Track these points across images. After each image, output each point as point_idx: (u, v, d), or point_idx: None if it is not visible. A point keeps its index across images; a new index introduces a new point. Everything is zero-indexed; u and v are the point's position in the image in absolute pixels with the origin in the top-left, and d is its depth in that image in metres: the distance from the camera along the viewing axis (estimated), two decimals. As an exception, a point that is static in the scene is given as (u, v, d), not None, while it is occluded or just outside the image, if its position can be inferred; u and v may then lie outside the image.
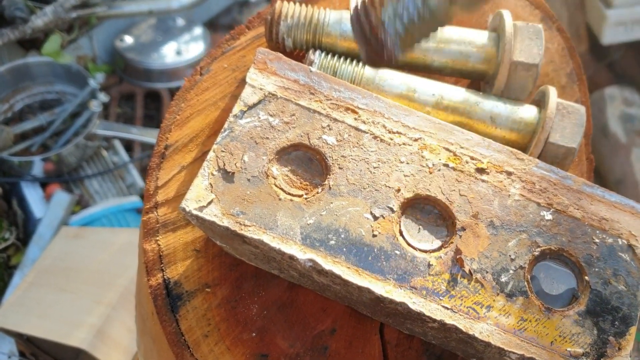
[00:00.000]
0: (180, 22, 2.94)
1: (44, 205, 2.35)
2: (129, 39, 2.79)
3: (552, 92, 0.70)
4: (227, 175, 0.61)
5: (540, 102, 0.73)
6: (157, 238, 0.69)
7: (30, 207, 2.37)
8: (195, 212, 0.59)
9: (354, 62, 0.73)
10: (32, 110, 2.52)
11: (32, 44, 2.55)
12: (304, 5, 0.75)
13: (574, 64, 0.80)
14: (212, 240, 0.66)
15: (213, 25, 3.05)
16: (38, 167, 2.40)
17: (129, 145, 2.53)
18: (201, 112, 0.74)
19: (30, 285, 2.08)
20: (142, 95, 2.72)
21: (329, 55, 0.73)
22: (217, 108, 0.74)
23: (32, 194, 2.39)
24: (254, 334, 0.66)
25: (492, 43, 0.73)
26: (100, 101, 2.38)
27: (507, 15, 0.72)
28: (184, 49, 2.74)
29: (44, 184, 2.41)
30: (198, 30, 2.80)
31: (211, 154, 0.61)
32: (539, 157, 0.70)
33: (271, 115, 0.64)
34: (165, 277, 0.67)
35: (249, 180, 0.61)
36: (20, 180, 2.36)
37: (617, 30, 2.84)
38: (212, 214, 0.59)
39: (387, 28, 0.57)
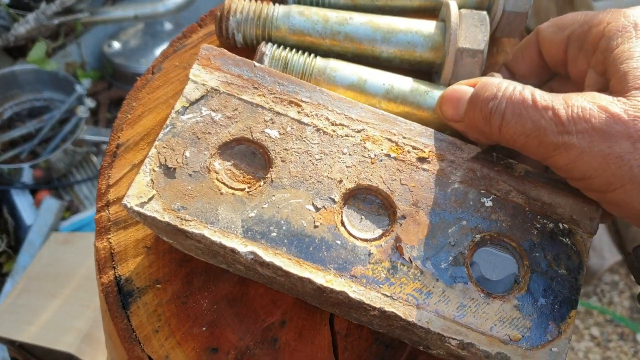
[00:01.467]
0: (168, 26, 2.95)
1: (34, 212, 2.36)
2: (116, 44, 2.80)
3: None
4: (169, 171, 0.62)
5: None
6: (109, 236, 0.69)
7: (20, 215, 2.38)
8: (136, 208, 0.60)
9: (306, 53, 0.74)
10: (20, 118, 2.54)
11: (19, 51, 2.56)
12: (253, 0, 0.76)
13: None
14: (160, 237, 0.66)
15: (201, 29, 3.04)
16: (27, 174, 2.41)
17: (117, 150, 2.53)
18: (152, 110, 0.75)
19: (20, 292, 2.10)
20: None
21: (280, 47, 0.74)
22: (169, 106, 0.75)
23: (22, 201, 2.40)
24: (204, 328, 0.66)
25: (439, 32, 0.74)
26: (87, 107, 2.40)
27: (453, 4, 0.73)
28: (172, 53, 2.74)
29: (33, 191, 2.42)
30: (185, 34, 2.80)
31: (152, 151, 0.62)
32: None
33: (213, 111, 0.64)
34: (116, 274, 0.68)
35: (190, 175, 0.62)
36: (9, 188, 2.37)
37: (604, 23, 2.85)
38: (153, 210, 0.60)
39: None
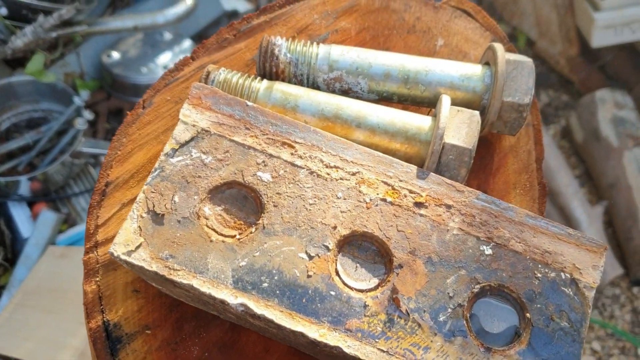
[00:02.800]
0: (168, 36, 2.94)
1: (31, 224, 2.34)
2: (115, 55, 2.78)
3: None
4: (157, 217, 0.59)
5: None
6: (97, 279, 0.67)
7: (17, 227, 2.37)
8: (123, 257, 0.58)
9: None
10: (18, 130, 2.52)
11: (18, 62, 2.55)
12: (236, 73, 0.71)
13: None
14: (149, 282, 0.64)
15: (201, 38, 3.04)
16: (25, 186, 2.40)
17: (115, 162, 2.51)
18: (143, 146, 0.73)
19: (17, 306, 2.08)
20: (130, 110, 2.71)
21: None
22: (159, 142, 0.73)
23: (19, 214, 2.39)
24: (194, 376, 0.64)
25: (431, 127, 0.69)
26: (85, 119, 2.38)
27: (445, 101, 0.68)
28: (171, 63, 2.73)
29: (30, 204, 2.40)
30: (186, 44, 2.79)
31: (140, 195, 0.60)
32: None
33: (204, 153, 0.62)
34: (105, 319, 0.66)
35: (179, 221, 0.60)
36: (6, 200, 2.36)
37: (606, 33, 2.84)
38: (141, 259, 0.58)
39: None
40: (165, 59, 2.81)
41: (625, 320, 2.78)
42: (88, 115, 2.38)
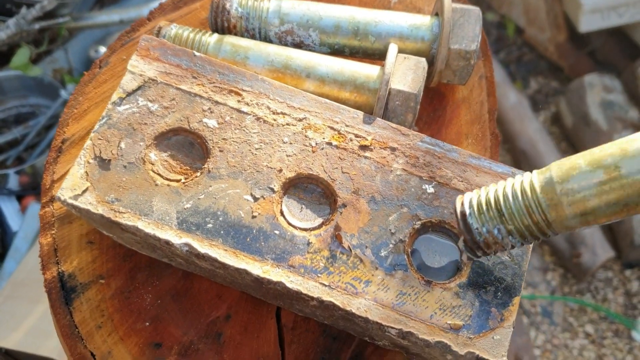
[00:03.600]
0: (155, 30, 2.93)
1: (19, 218, 2.35)
2: (103, 49, 2.79)
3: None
4: (103, 163, 0.60)
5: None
6: (53, 232, 0.68)
7: (6, 221, 2.37)
8: (70, 201, 0.59)
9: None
10: (6, 124, 2.53)
11: (3, 58, 2.56)
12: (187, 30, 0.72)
13: (482, 40, 0.79)
14: (100, 231, 0.65)
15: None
16: (13, 180, 2.41)
17: (103, 154, 2.52)
18: (99, 104, 0.74)
19: (5, 299, 2.09)
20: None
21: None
22: (114, 100, 0.74)
23: (8, 207, 2.39)
24: (147, 324, 0.65)
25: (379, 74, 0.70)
26: (72, 112, 2.39)
27: (392, 49, 0.68)
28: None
29: (19, 197, 2.41)
30: (170, 38, 2.79)
31: (88, 142, 0.61)
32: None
33: (150, 101, 0.63)
34: (59, 270, 0.67)
35: (125, 167, 0.61)
36: (-5, 194, 2.36)
37: (593, 18, 2.84)
38: (87, 202, 0.59)
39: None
40: (153, 53, 2.80)
41: (618, 303, 2.79)
42: (75, 107, 2.39)
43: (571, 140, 2.84)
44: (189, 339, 0.65)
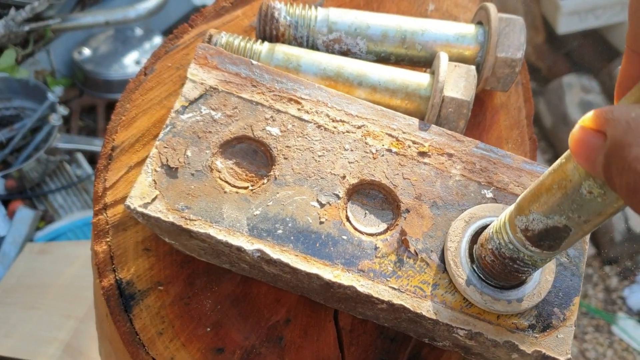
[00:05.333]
0: (139, 31, 2.92)
1: (7, 223, 2.31)
2: (87, 51, 2.76)
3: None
4: (171, 171, 0.61)
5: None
6: (108, 239, 0.68)
7: (-7, 226, 2.33)
8: (140, 209, 0.59)
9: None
10: (-9, 127, 2.48)
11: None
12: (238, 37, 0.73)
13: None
14: (161, 238, 0.66)
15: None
16: (-1, 184, 2.36)
17: (92, 157, 2.50)
18: (146, 111, 0.74)
19: (-3, 304, 2.05)
20: (104, 107, 2.70)
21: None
22: (163, 107, 0.74)
23: (-5, 212, 2.35)
24: (208, 329, 0.66)
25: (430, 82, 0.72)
26: (60, 115, 2.36)
27: (443, 57, 0.70)
28: (143, 58, 2.72)
29: (6, 202, 2.37)
30: (157, 39, 2.78)
31: (153, 151, 0.61)
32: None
33: (213, 109, 0.64)
34: (117, 277, 0.67)
35: (192, 174, 0.61)
36: (-19, 199, 2.32)
37: (570, 20, 2.91)
38: (157, 210, 0.59)
39: None
40: (137, 55, 2.79)
41: (598, 299, 2.86)
42: (63, 110, 2.36)
43: (550, 140, 2.91)
44: (250, 344, 0.66)
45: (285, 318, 0.67)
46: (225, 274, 0.68)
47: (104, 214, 0.69)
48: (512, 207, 0.53)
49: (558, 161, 0.46)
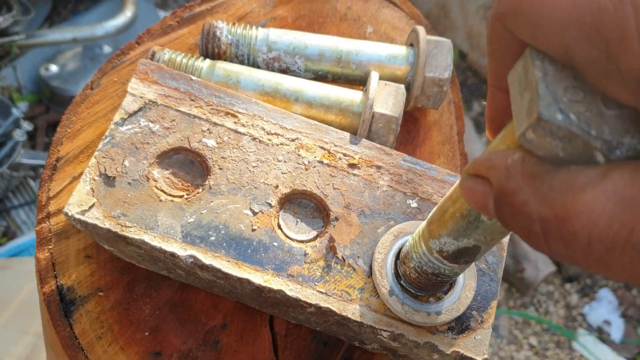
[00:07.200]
0: (107, 49, 2.94)
1: (-31, 238, 2.30)
2: (54, 68, 2.77)
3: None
4: (108, 180, 0.64)
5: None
6: (50, 247, 0.70)
7: (-45, 241, 2.31)
8: (77, 216, 0.62)
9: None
10: (-47, 143, 2.47)
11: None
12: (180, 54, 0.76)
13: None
14: (102, 245, 0.68)
15: (141, 52, 3.04)
16: (-38, 199, 2.35)
17: (56, 173, 2.49)
18: (92, 124, 0.77)
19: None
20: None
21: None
22: (108, 120, 0.77)
23: (-43, 228, 2.33)
24: (146, 333, 0.68)
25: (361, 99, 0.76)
26: (24, 130, 2.36)
27: (374, 76, 0.74)
28: (111, 75, 2.73)
29: (-32, 216, 2.36)
30: (124, 57, 2.79)
31: (92, 161, 0.64)
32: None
33: (152, 122, 0.67)
34: (58, 283, 0.69)
35: (129, 183, 0.64)
36: (-58, 214, 2.30)
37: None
38: (94, 217, 0.62)
39: None
40: (105, 72, 2.79)
41: (559, 315, 2.92)
42: (27, 126, 2.36)
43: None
44: (187, 347, 0.68)
45: (221, 323, 0.70)
46: (164, 280, 0.71)
47: (47, 223, 0.72)
48: (423, 227, 0.56)
49: (455, 189, 0.49)
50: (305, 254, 0.64)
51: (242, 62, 0.78)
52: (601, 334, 2.80)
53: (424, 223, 0.56)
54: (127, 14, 2.77)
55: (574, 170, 0.34)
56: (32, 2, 2.55)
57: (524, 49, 0.38)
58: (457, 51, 3.18)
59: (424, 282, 0.59)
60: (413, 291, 0.62)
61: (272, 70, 0.78)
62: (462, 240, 0.50)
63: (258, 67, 0.78)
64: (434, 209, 0.54)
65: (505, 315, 2.79)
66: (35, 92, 2.79)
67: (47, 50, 2.81)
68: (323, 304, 0.62)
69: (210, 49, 0.77)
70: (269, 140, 0.68)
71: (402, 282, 0.63)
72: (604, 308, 2.88)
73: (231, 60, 0.78)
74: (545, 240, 0.35)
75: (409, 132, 0.84)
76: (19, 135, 2.33)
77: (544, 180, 0.35)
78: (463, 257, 0.52)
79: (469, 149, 2.83)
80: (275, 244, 0.64)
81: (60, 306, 0.68)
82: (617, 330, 2.82)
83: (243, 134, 0.68)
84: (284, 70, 0.79)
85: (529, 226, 0.36)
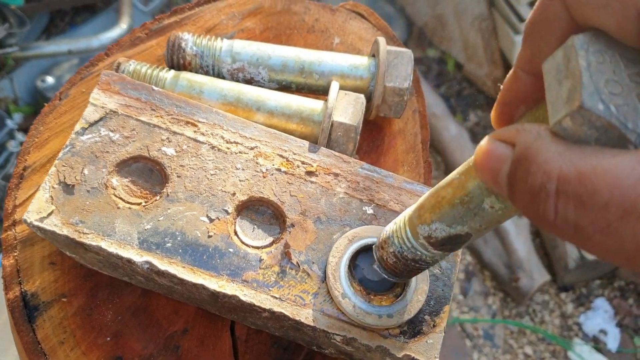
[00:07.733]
0: (103, 61, 2.95)
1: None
2: (50, 79, 2.80)
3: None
4: (68, 188, 0.65)
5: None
6: (15, 254, 0.72)
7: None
8: (36, 223, 0.63)
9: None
10: (-51, 154, 2.49)
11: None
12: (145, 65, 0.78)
13: (414, 77, 0.87)
14: (63, 252, 0.69)
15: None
16: (-44, 210, 2.36)
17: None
18: (59, 134, 0.78)
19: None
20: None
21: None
22: (75, 130, 0.79)
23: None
24: (108, 338, 0.69)
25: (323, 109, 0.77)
26: (19, 141, 2.38)
27: (334, 86, 0.76)
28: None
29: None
30: (119, 68, 2.81)
31: (52, 169, 0.66)
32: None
33: (112, 131, 0.68)
34: (22, 289, 0.70)
35: (88, 191, 0.65)
36: (-64, 225, 2.32)
37: (525, 54, 2.99)
38: (52, 224, 0.63)
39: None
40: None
41: (554, 325, 2.91)
42: (21, 137, 2.38)
43: (508, 169, 2.98)
44: (148, 352, 0.69)
45: (182, 328, 0.71)
46: (127, 286, 0.72)
47: (13, 230, 0.73)
48: (409, 213, 0.56)
49: (456, 175, 0.49)
50: (261, 260, 0.65)
51: (207, 73, 0.80)
52: (597, 344, 2.79)
53: (411, 208, 0.56)
54: (123, 26, 2.80)
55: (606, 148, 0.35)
56: (28, 15, 2.58)
57: (567, 37, 0.38)
58: (453, 62, 3.20)
59: (400, 268, 0.59)
60: (387, 276, 0.61)
61: (237, 80, 0.80)
62: (455, 227, 0.50)
63: (223, 77, 0.80)
64: (426, 194, 0.53)
65: (501, 325, 2.79)
66: (32, 104, 2.82)
67: (44, 62, 2.84)
68: (276, 309, 0.63)
69: (176, 60, 0.79)
70: (228, 148, 0.70)
71: (355, 284, 0.64)
72: (599, 317, 2.87)
73: (196, 71, 0.80)
74: (555, 201, 0.35)
75: (373, 140, 0.85)
76: (13, 146, 2.36)
77: (574, 146, 0.35)
78: (450, 244, 0.52)
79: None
80: (231, 250, 0.65)
81: (24, 312, 0.70)
82: (613, 340, 2.81)
83: (202, 142, 0.70)
84: (249, 81, 0.80)
85: (542, 185, 0.35)
